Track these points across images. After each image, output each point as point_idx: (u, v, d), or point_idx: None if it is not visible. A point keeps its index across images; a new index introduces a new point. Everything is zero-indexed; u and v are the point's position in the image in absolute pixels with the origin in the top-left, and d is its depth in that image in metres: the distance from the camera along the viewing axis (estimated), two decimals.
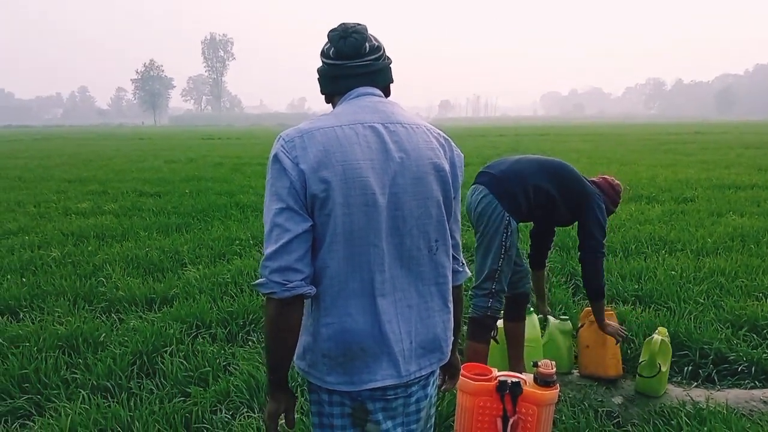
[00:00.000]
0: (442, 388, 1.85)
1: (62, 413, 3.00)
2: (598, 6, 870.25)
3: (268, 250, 1.38)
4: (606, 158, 17.60)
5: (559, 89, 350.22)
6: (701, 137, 30.53)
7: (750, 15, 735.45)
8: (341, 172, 1.39)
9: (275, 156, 1.42)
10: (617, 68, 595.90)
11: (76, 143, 35.24)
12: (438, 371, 1.69)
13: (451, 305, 1.61)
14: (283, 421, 1.57)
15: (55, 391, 3.30)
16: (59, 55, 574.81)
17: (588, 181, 3.32)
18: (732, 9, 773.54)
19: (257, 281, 1.40)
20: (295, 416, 1.59)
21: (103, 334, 3.99)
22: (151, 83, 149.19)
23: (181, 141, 36.91)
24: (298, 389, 3.22)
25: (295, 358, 1.54)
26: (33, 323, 4.22)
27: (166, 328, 4.04)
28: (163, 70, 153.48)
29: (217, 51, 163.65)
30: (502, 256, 3.05)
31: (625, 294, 4.71)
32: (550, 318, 3.74)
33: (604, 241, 3.23)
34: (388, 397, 1.52)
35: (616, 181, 3.46)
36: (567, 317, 3.73)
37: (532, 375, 2.51)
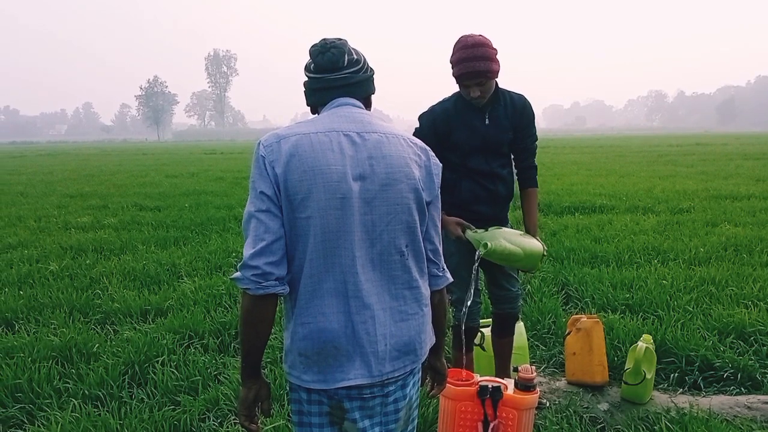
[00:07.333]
0: (430, 393, 1.90)
1: (53, 421, 3.05)
2: (599, 19, 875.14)
3: (249, 250, 1.44)
4: (605, 170, 17.65)
5: (561, 102, 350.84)
6: (701, 149, 30.57)
7: (752, 27, 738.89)
8: (313, 176, 1.46)
9: (256, 160, 1.51)
10: (619, 81, 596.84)
11: (79, 159, 35.46)
12: (420, 374, 1.74)
13: (427, 309, 1.67)
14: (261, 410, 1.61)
15: (47, 401, 3.34)
16: (64, 72, 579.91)
17: None
18: (734, 21, 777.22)
19: (234, 275, 1.46)
20: (272, 405, 1.64)
21: (97, 345, 4.04)
22: (155, 99, 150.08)
23: (184, 156, 37.11)
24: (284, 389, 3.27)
25: (283, 361, 1.61)
26: (28, 335, 4.27)
27: (159, 339, 4.09)
28: (167, 86, 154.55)
29: (220, 67, 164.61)
30: None
31: (616, 303, 4.73)
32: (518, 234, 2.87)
33: None
34: (365, 396, 1.57)
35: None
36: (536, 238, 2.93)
37: (514, 380, 2.55)
